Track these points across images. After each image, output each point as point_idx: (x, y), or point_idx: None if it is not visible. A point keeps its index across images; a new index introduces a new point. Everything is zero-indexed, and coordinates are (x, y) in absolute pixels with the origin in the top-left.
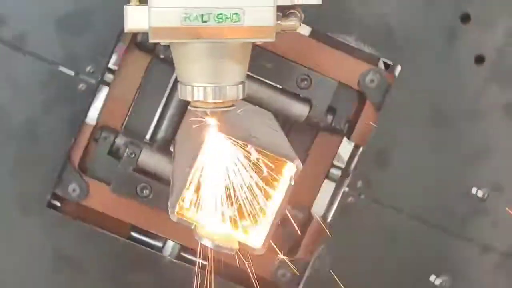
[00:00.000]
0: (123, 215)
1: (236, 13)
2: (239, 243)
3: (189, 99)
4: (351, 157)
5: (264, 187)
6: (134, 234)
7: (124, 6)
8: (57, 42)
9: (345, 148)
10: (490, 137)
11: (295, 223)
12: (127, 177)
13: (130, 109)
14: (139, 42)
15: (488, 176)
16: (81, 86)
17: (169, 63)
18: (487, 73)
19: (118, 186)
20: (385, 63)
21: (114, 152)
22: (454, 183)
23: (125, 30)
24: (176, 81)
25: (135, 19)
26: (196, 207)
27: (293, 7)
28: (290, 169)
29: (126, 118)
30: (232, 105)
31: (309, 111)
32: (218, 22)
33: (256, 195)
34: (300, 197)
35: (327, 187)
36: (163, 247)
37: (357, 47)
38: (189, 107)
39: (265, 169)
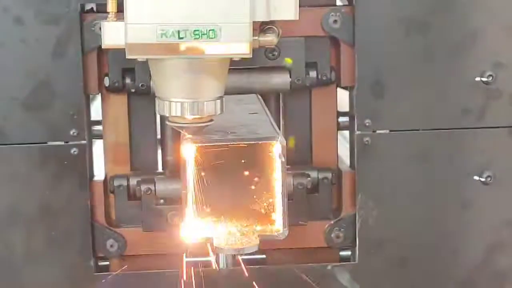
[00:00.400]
0: (165, 249)
1: (212, 29)
2: (260, 235)
3: (166, 114)
4: (351, 101)
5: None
6: (188, 260)
7: (101, 22)
8: (33, 121)
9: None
10: (470, 21)
11: (327, 184)
12: (153, 214)
13: (131, 149)
14: (109, 86)
15: (485, 59)
16: (73, 151)
17: (143, 93)
18: None
19: (148, 225)
20: None
21: (133, 196)
22: (454, 80)
23: (103, 46)
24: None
25: (112, 36)
26: (204, 219)
27: (270, 22)
28: (276, 147)
29: (131, 159)
30: (211, 120)
31: (290, 77)
32: (195, 38)
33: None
34: (322, 158)
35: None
36: (217, 259)
37: None
38: (166, 122)
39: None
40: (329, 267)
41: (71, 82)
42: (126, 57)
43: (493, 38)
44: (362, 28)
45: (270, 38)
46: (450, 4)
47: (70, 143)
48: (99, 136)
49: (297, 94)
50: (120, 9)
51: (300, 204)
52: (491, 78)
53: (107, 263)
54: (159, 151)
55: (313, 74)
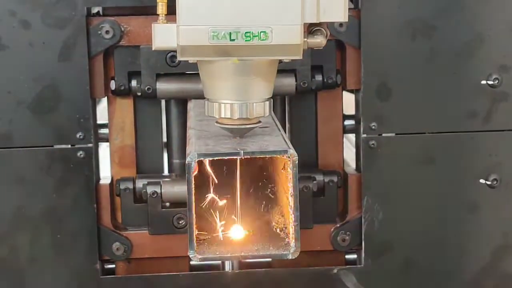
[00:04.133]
0: (171, 252)
1: (264, 31)
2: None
3: (216, 116)
4: (357, 104)
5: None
6: (193, 263)
7: (152, 24)
8: (40, 125)
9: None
10: (476, 25)
11: (333, 187)
12: (159, 217)
13: (137, 152)
14: (115, 90)
15: (491, 62)
16: (80, 154)
17: (149, 96)
18: None
19: (155, 228)
20: (351, 1)
21: (139, 199)
22: (460, 83)
23: (153, 48)
24: (168, 108)
25: (163, 38)
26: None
27: (319, 24)
28: (287, 160)
29: (137, 162)
30: (259, 122)
31: (296, 80)
32: (246, 40)
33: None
34: (328, 161)
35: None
36: (222, 262)
37: None
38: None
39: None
40: (335, 270)
41: (77, 86)
42: (178, 59)
43: (499, 41)
44: (368, 32)
45: (318, 40)
46: (456, 7)
47: (77, 146)
48: (105, 139)
49: (303, 97)
50: (169, 11)
51: (306, 207)
52: (497, 81)
53: (113, 266)
54: (165, 154)
55: (319, 77)
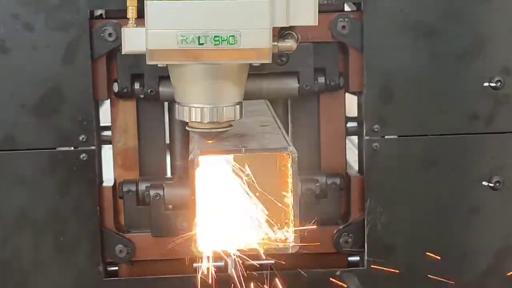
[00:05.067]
0: (174, 254)
1: (232, 35)
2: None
3: (186, 119)
4: (360, 106)
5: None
6: (196, 265)
7: (122, 28)
8: (43, 127)
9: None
10: (478, 27)
11: (336, 189)
12: (162, 219)
13: (140, 154)
14: (118, 92)
15: (493, 64)
16: (83, 156)
17: (152, 99)
18: None
19: (157, 231)
20: (354, 3)
21: (141, 201)
22: (462, 86)
23: (123, 52)
24: (171, 111)
25: (133, 42)
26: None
27: (289, 28)
28: (287, 157)
29: (140, 164)
30: (230, 125)
31: (299, 82)
32: (215, 44)
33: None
34: (330, 164)
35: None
36: (225, 264)
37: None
38: (186, 127)
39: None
40: (337, 273)
41: (81, 88)
42: (147, 63)
43: (501, 44)
44: (370, 34)
45: (289, 44)
46: (458, 10)
47: (79, 148)
48: (108, 142)
49: (306, 99)
50: (140, 15)
51: (309, 209)
52: (499, 83)
53: (116, 268)
54: (168, 157)
55: (321, 79)
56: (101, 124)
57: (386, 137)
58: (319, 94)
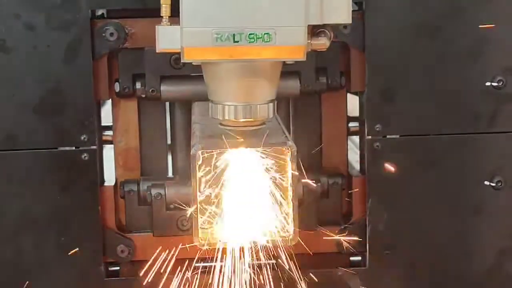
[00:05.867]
0: (176, 254)
1: (267, 33)
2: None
3: (219, 117)
4: (361, 106)
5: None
6: (198, 265)
7: (156, 27)
8: (44, 127)
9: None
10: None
11: (337, 189)
12: (163, 219)
13: (141, 154)
14: (119, 92)
15: (495, 64)
16: (84, 156)
17: (153, 99)
18: None
19: (159, 230)
20: (355, 3)
21: (143, 201)
22: (464, 85)
23: (157, 50)
24: (172, 110)
25: (167, 40)
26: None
27: (322, 26)
28: (286, 153)
29: (141, 164)
30: (263, 123)
31: (300, 82)
32: (250, 42)
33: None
34: (332, 163)
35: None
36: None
37: None
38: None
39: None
40: (339, 273)
41: (82, 88)
42: (182, 61)
43: (503, 43)
44: (372, 34)
45: (322, 42)
46: (460, 9)
47: (81, 148)
48: (110, 142)
49: (307, 99)
50: (173, 14)
51: (311, 209)
52: (501, 83)
53: (118, 268)
54: (169, 156)
55: (323, 79)
56: (103, 124)
57: (387, 136)
58: (321, 94)
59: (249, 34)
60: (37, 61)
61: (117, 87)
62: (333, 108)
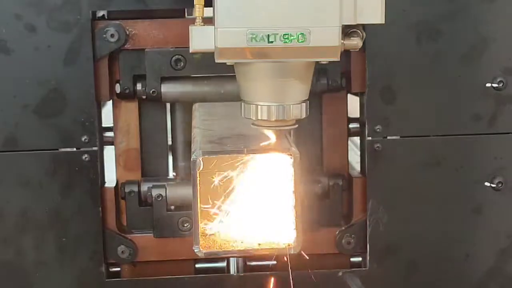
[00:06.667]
0: (176, 255)
1: (302, 33)
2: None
3: (253, 117)
4: (362, 107)
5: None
6: (198, 266)
7: (190, 27)
8: (45, 128)
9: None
10: (481, 27)
11: (338, 190)
12: (164, 220)
13: (142, 155)
14: (120, 93)
15: (495, 65)
16: (85, 157)
17: (154, 100)
18: None
19: (159, 231)
20: None
21: (144, 202)
22: (465, 86)
23: (190, 51)
24: (173, 111)
25: (201, 40)
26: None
27: (355, 26)
28: (289, 158)
29: (142, 165)
30: (295, 124)
31: None
32: (284, 42)
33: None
34: (333, 164)
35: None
36: (227, 265)
37: None
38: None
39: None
40: (340, 273)
41: (83, 89)
42: (216, 61)
43: (504, 44)
44: (372, 34)
45: (355, 42)
46: (461, 10)
47: (82, 149)
48: (110, 143)
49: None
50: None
51: (311, 210)
52: (502, 84)
53: (118, 269)
54: (170, 157)
55: (323, 80)
56: (103, 125)
57: (388, 137)
58: (321, 95)
59: (284, 35)
60: (38, 62)
61: (117, 88)
62: (334, 109)
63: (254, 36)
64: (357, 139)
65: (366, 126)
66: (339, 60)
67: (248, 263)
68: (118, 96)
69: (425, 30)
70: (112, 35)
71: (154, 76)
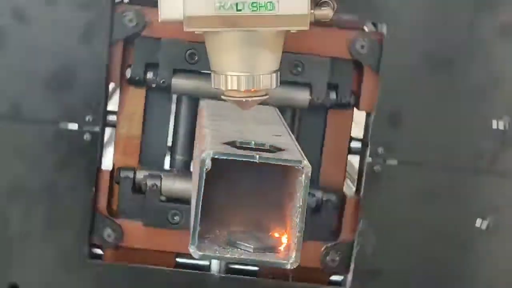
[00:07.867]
0: (162, 246)
1: (270, 2)
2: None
3: (222, 88)
4: (367, 127)
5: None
6: (179, 260)
7: None
8: (51, 102)
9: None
10: (494, 65)
11: (330, 206)
12: (155, 209)
13: (141, 143)
14: (130, 78)
15: (504, 105)
16: (86, 136)
17: (162, 90)
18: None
19: (149, 220)
20: (373, 23)
21: (137, 189)
22: (471, 122)
23: (159, 20)
24: (179, 104)
25: (169, 8)
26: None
27: None
28: (300, 171)
29: (140, 153)
30: (266, 95)
31: (310, 94)
32: (253, 10)
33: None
34: (329, 180)
35: (354, 162)
36: (209, 265)
37: (336, 18)
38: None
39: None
40: None
41: (94, 69)
42: (184, 30)
43: None
44: (389, 57)
45: (325, 12)
46: (478, 45)
47: (84, 128)
48: (113, 126)
49: (314, 112)
50: None
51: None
52: (508, 124)
53: (101, 252)
54: (169, 150)
55: (333, 95)
56: (108, 108)
57: (388, 161)
58: (328, 110)
59: (252, 3)
60: (53, 36)
61: (128, 73)
62: (338, 125)
63: (222, 4)
64: (354, 158)
65: (369, 146)
66: (308, 29)
67: (230, 265)
68: (128, 82)
69: (441, 61)
70: (130, 20)
71: (167, 67)
